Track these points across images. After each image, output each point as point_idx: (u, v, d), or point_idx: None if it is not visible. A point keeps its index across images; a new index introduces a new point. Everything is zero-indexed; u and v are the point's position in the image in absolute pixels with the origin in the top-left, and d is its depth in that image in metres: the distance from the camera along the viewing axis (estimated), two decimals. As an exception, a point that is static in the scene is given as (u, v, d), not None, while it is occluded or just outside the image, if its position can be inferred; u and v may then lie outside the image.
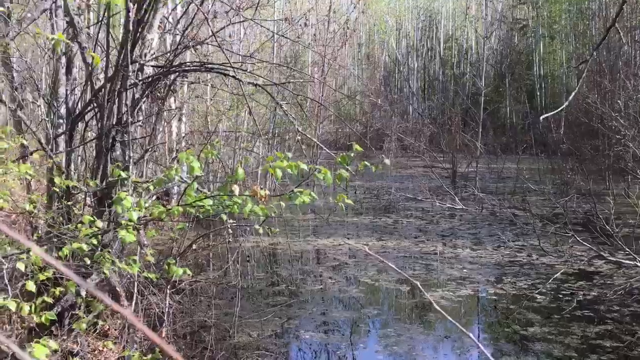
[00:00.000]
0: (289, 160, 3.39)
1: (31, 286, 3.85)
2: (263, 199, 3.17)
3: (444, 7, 42.26)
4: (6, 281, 4.23)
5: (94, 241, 4.14)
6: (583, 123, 19.27)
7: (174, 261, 4.59)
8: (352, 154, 3.42)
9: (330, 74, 25.25)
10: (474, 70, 36.73)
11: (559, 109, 3.51)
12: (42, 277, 4.14)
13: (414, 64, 41.42)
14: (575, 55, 29.74)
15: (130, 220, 3.59)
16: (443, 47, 41.78)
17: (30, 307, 3.78)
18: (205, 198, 3.42)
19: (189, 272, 4.55)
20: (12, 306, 3.61)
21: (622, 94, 16.10)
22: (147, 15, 5.37)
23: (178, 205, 3.61)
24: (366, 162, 3.56)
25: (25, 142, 5.15)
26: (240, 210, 3.34)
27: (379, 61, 41.78)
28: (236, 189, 3.15)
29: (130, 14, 4.89)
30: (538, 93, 34.07)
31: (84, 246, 3.92)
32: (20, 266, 3.84)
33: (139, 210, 3.65)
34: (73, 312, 5.13)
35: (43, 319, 3.86)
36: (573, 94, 3.22)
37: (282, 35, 14.52)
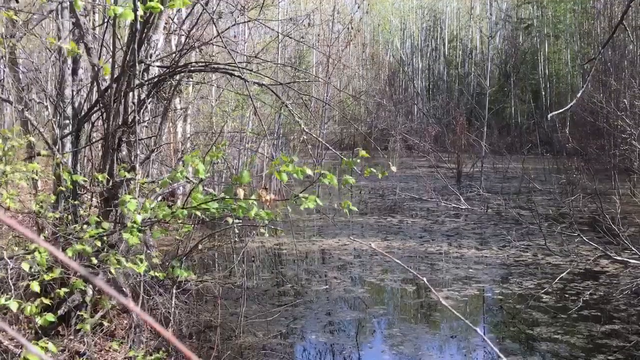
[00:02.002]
0: (294, 163, 3.39)
1: (36, 287, 3.86)
2: (268, 203, 3.17)
3: (449, 6, 42.20)
4: (10, 282, 4.24)
5: (99, 243, 4.15)
6: (588, 122, 19.22)
7: (179, 263, 4.61)
8: (357, 160, 3.41)
9: (335, 74, 25.24)
10: (479, 70, 36.69)
11: (566, 107, 3.51)
12: (47, 277, 4.15)
13: (419, 64, 41.38)
14: (580, 55, 29.68)
15: (134, 223, 3.59)
16: (447, 46, 41.72)
17: (31, 307, 3.78)
18: (210, 201, 3.42)
19: (192, 274, 4.56)
20: (14, 307, 3.61)
21: (627, 93, 16.04)
22: (152, 16, 5.39)
23: (183, 207, 3.62)
24: (372, 169, 3.56)
25: (33, 140, 5.17)
26: (245, 214, 3.34)
27: (384, 61, 41.74)
28: (241, 193, 3.15)
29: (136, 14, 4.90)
30: (543, 92, 33.98)
31: (88, 248, 3.93)
32: (25, 266, 3.85)
33: (145, 212, 3.66)
34: (79, 313, 5.14)
35: (42, 321, 3.87)
36: (580, 92, 3.21)
37: (287, 36, 14.51)
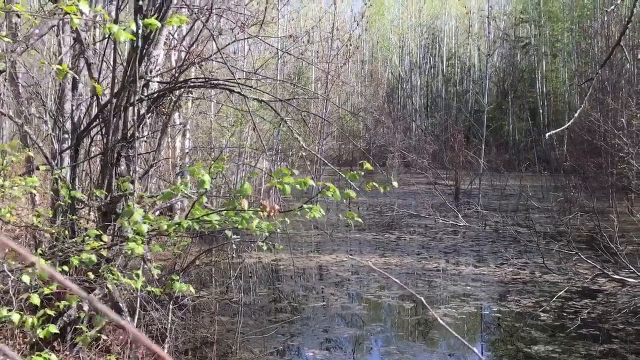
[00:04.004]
0: (295, 176, 3.40)
1: (36, 299, 3.84)
2: (273, 213, 3.17)
3: (447, 25, 42.55)
4: (11, 294, 4.22)
5: (94, 258, 4.13)
6: (586, 141, 19.28)
7: (177, 277, 4.59)
8: (362, 173, 3.42)
9: (334, 91, 25.35)
10: (477, 87, 36.89)
11: (564, 127, 3.52)
12: (46, 290, 4.13)
13: (417, 81, 41.60)
14: (577, 73, 29.85)
15: (139, 233, 3.59)
16: (446, 64, 41.98)
17: (33, 320, 3.76)
18: (212, 213, 3.42)
19: (192, 288, 4.54)
20: (15, 319, 3.59)
21: (624, 112, 16.12)
22: (153, 32, 5.42)
23: (185, 219, 3.62)
24: (374, 183, 3.56)
25: (32, 155, 5.18)
26: (247, 226, 3.34)
27: (382, 78, 41.98)
28: (245, 203, 3.15)
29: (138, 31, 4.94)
30: (541, 110, 34.15)
31: (93, 257, 3.91)
32: (25, 279, 3.83)
33: (146, 222, 3.65)
34: (76, 327, 5.12)
35: (44, 333, 3.84)
36: (578, 112, 3.24)
37: (286, 52, 14.61)
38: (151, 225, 3.63)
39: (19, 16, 6.49)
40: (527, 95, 35.31)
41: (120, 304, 5.51)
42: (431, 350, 6.72)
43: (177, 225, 3.49)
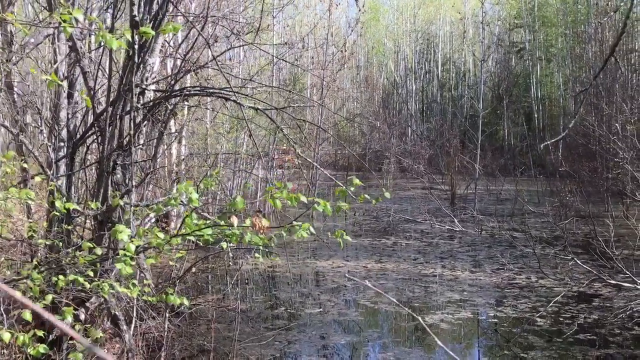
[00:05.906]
0: (287, 188, 3.40)
1: (27, 316, 3.82)
2: (262, 232, 3.18)
3: (442, 30, 42.73)
4: (2, 309, 4.19)
5: (91, 273, 4.11)
6: (581, 145, 19.36)
7: (172, 290, 4.59)
8: (352, 188, 3.45)
9: (329, 97, 25.39)
10: (472, 92, 37.00)
11: (558, 138, 3.54)
12: (40, 305, 4.11)
13: (412, 86, 41.72)
14: (572, 78, 29.99)
15: (127, 251, 3.58)
16: (441, 69, 42.12)
17: (24, 337, 3.73)
18: (204, 228, 3.43)
19: (185, 301, 4.53)
20: (6, 338, 3.56)
21: (619, 117, 16.18)
22: (148, 41, 5.43)
23: (177, 234, 3.61)
24: (366, 196, 3.60)
25: (26, 166, 5.16)
26: (239, 240, 3.35)
27: (378, 83, 42.08)
28: (235, 221, 3.16)
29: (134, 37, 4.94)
30: (536, 115, 34.29)
31: (80, 278, 3.89)
32: (18, 295, 3.80)
33: (138, 240, 3.65)
34: (70, 338, 5.09)
35: (35, 352, 3.81)
36: (573, 122, 3.27)
37: (282, 59, 14.63)
38: (146, 235, 3.62)
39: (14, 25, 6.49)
40: (522, 100, 35.45)
41: (117, 313, 5.49)
42: (428, 356, 6.72)
43: (168, 241, 3.49)
